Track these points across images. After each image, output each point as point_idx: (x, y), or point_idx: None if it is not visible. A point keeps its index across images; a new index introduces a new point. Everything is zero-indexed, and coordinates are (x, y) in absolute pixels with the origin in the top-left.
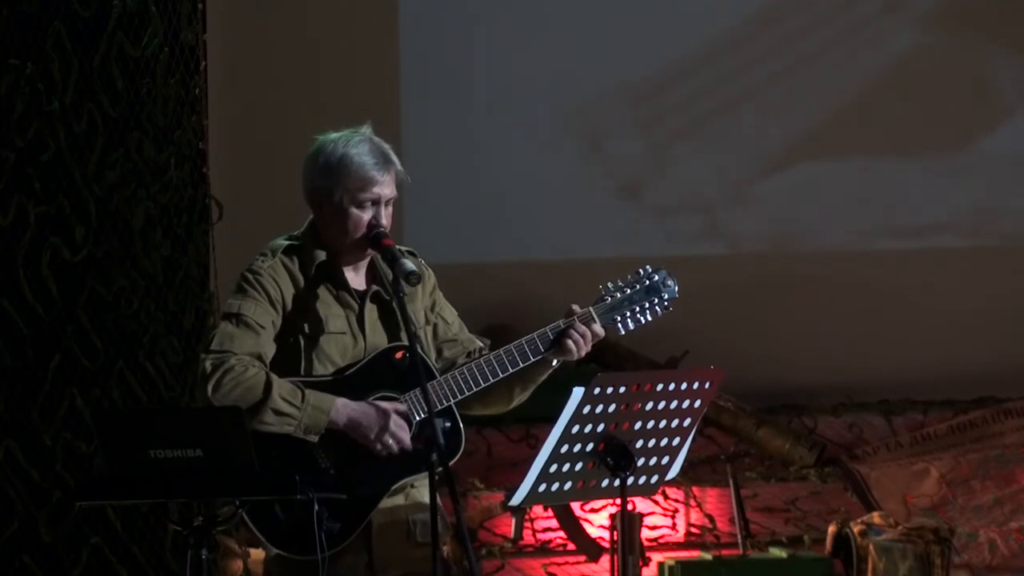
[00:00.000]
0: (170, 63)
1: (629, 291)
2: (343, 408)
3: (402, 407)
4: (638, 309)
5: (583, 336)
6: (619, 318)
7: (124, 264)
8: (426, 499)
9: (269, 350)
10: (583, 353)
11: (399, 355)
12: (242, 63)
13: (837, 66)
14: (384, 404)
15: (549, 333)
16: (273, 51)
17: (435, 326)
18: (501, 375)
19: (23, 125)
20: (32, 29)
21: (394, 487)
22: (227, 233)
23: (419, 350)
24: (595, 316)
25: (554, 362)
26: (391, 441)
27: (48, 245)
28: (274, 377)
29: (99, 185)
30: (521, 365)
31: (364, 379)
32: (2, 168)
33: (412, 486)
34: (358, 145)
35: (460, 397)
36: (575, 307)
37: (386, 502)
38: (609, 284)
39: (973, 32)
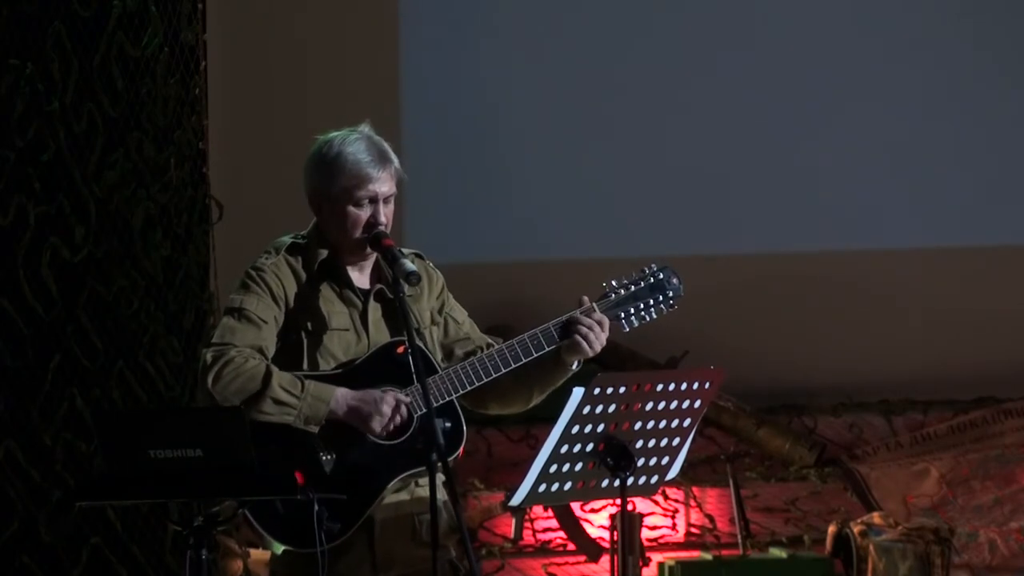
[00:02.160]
0: (170, 63)
1: (634, 288)
2: (343, 398)
3: (405, 398)
4: (643, 306)
5: (590, 328)
6: (623, 315)
7: (124, 264)
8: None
9: (271, 344)
10: (596, 346)
11: (400, 349)
12: (242, 63)
13: (837, 67)
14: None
15: (552, 329)
16: (273, 51)
17: (446, 326)
18: (504, 369)
19: (23, 125)
20: (32, 29)
21: (396, 483)
22: (227, 233)
23: (423, 347)
24: (600, 312)
25: (574, 365)
26: (391, 425)
27: (48, 245)
28: (274, 368)
29: (99, 185)
30: (524, 360)
31: (366, 374)
32: (2, 168)
33: (417, 484)
34: (354, 143)
35: (463, 391)
36: (585, 298)
37: (389, 498)
38: (613, 281)
39: (972, 26)
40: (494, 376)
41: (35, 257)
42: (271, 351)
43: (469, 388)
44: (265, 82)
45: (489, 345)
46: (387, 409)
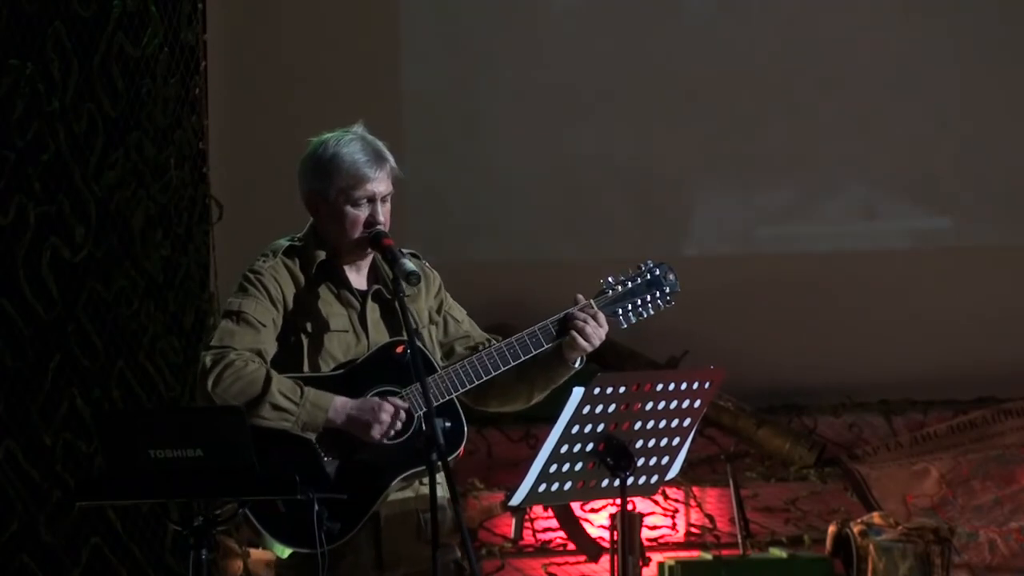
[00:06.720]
0: (170, 63)
1: (631, 284)
2: (341, 408)
3: (403, 404)
4: (640, 302)
5: (585, 321)
6: (621, 311)
7: (124, 264)
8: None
9: (270, 347)
10: (594, 340)
11: (399, 349)
12: (242, 63)
13: (839, 68)
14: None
15: (550, 325)
16: (273, 51)
17: (445, 325)
18: (503, 367)
19: (23, 125)
20: (32, 29)
21: (400, 481)
22: (227, 233)
23: (422, 346)
24: (596, 309)
25: (576, 363)
26: (390, 431)
27: (48, 245)
28: (274, 373)
29: (99, 185)
30: (523, 357)
31: (365, 374)
32: (2, 168)
33: (421, 482)
34: (349, 144)
35: (463, 389)
36: (580, 296)
37: (394, 496)
38: (610, 278)
39: (973, 33)
40: (493, 375)
41: (35, 257)
42: (270, 354)
43: (468, 387)
44: (265, 82)
45: (489, 342)
46: (386, 416)
